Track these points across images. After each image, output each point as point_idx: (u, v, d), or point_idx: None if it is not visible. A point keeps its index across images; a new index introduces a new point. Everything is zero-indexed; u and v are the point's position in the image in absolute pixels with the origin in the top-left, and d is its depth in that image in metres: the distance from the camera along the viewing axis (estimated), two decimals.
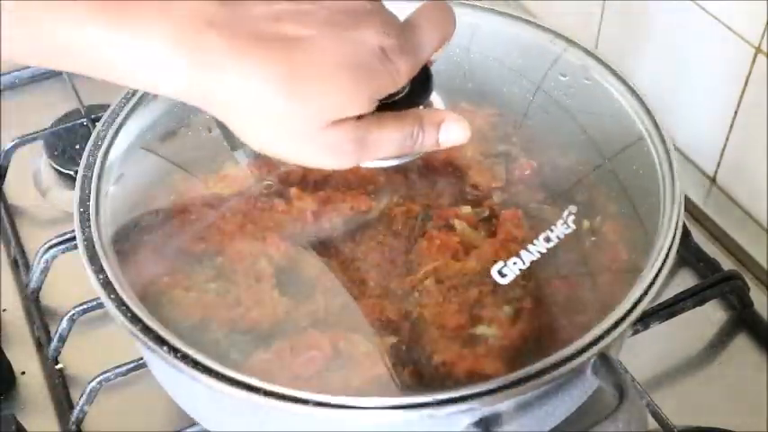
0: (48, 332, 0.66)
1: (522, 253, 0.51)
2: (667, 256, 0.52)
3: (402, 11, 0.50)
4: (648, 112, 0.59)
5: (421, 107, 0.53)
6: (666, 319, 0.64)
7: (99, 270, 0.51)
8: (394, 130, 0.48)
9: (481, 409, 0.46)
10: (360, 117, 0.46)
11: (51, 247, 0.67)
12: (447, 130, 0.50)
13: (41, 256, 0.67)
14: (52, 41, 0.43)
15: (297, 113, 0.44)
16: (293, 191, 0.55)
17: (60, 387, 0.63)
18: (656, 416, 0.58)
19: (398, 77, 0.46)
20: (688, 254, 0.71)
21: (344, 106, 0.45)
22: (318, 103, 0.44)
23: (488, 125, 0.58)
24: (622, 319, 0.49)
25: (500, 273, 0.50)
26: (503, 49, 0.63)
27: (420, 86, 0.51)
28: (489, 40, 0.64)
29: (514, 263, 0.51)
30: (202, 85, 0.44)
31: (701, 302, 0.65)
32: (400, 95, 0.51)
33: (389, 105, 0.50)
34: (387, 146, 0.48)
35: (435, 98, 0.55)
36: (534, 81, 0.61)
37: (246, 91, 0.43)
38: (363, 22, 0.45)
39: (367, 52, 0.45)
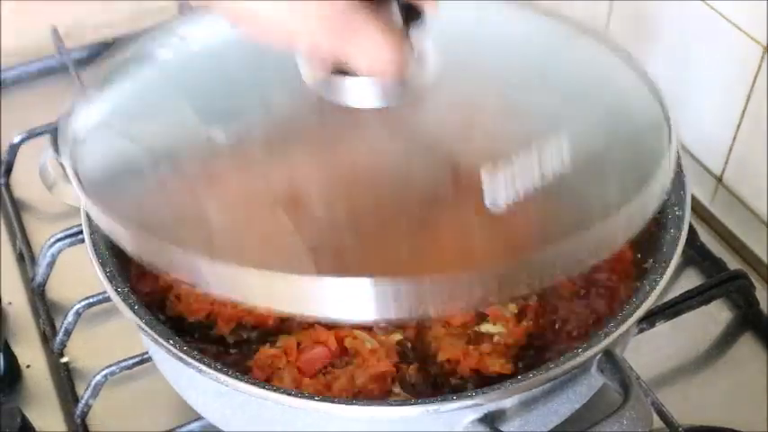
0: (53, 326, 0.66)
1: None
2: (673, 254, 0.52)
3: None
4: (662, 105, 0.58)
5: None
6: (672, 318, 0.63)
7: (105, 263, 0.51)
8: (381, 30, 0.46)
9: (486, 405, 0.46)
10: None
11: (57, 241, 0.67)
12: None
13: (47, 250, 0.67)
14: None
15: None
16: (299, 190, 0.55)
17: (65, 380, 0.63)
18: (661, 414, 0.58)
19: None
20: (694, 253, 0.71)
21: None
22: None
23: (495, 113, 0.57)
24: (628, 316, 0.49)
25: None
26: (510, 37, 0.63)
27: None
28: (496, 26, 0.64)
29: None
30: None
31: (707, 301, 0.65)
32: None
33: None
34: (370, 43, 0.46)
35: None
36: (542, 71, 0.60)
37: None
38: None
39: None
